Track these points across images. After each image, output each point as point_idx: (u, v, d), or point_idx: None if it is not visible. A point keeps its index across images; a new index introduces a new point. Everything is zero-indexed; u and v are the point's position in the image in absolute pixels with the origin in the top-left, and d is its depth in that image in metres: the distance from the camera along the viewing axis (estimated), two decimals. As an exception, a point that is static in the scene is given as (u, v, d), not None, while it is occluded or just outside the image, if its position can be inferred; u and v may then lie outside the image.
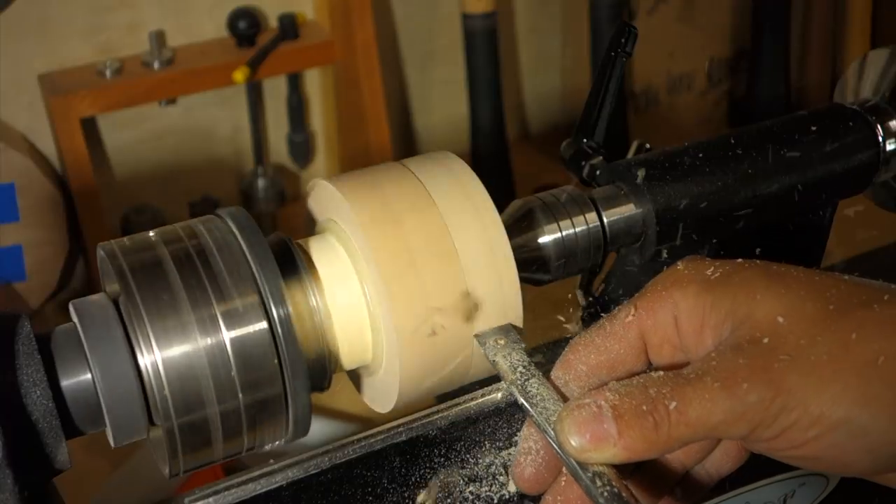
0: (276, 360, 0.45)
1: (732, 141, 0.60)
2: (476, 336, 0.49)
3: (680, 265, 0.47)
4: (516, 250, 0.50)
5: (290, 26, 1.73)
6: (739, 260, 0.46)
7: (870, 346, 0.40)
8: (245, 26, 1.71)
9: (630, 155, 0.62)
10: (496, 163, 1.87)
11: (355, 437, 0.51)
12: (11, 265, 1.58)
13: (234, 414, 0.45)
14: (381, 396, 0.52)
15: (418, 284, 0.48)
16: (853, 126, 0.62)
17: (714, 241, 0.60)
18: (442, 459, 0.53)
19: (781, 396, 0.40)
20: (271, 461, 0.51)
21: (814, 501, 0.66)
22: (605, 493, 0.40)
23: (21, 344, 0.43)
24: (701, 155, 0.59)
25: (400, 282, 0.47)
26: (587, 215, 0.56)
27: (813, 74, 2.17)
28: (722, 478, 0.50)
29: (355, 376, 0.54)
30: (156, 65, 1.66)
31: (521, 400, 0.46)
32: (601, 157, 0.60)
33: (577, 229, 0.56)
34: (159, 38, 1.68)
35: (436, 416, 0.52)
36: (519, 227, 0.55)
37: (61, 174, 1.66)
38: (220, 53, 1.71)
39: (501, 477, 0.54)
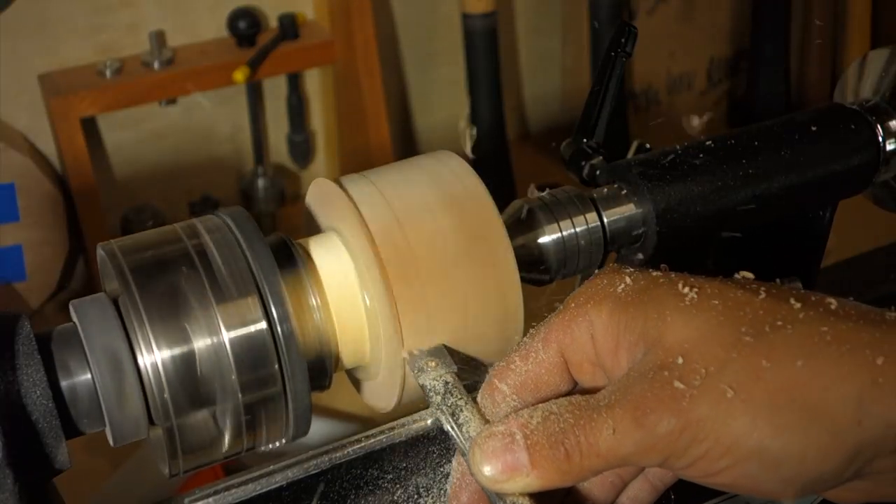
0: (275, 361, 0.45)
1: (732, 141, 0.60)
2: (406, 357, 0.48)
3: (596, 279, 0.45)
4: (516, 250, 0.50)
5: (290, 26, 1.73)
6: (655, 273, 0.44)
7: (780, 374, 0.39)
8: (245, 26, 1.71)
9: (630, 155, 0.62)
10: (496, 163, 1.87)
11: (355, 437, 0.51)
12: (11, 265, 1.58)
13: (234, 414, 0.45)
14: (381, 395, 0.52)
15: (418, 284, 0.48)
16: (853, 126, 0.62)
17: (714, 241, 0.60)
18: (442, 461, 0.53)
19: (691, 428, 0.39)
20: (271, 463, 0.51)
21: (814, 501, 0.66)
22: None
23: (21, 344, 0.43)
24: (701, 155, 0.59)
25: (400, 281, 0.47)
26: (587, 215, 0.56)
27: (813, 74, 2.17)
28: (668, 487, 0.49)
29: (355, 376, 0.54)
30: (156, 65, 1.65)
31: (447, 427, 0.45)
32: (601, 157, 0.60)
33: (577, 229, 0.56)
34: (159, 38, 1.68)
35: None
36: (519, 227, 0.55)
37: (61, 174, 1.66)
38: (220, 53, 1.71)
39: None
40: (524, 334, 0.51)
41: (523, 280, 0.51)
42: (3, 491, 0.42)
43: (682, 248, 0.58)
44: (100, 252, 0.47)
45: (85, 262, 1.70)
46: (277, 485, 0.49)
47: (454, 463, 0.48)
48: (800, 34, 2.16)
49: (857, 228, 1.02)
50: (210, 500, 0.48)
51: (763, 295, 0.42)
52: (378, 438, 0.51)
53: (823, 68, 2.16)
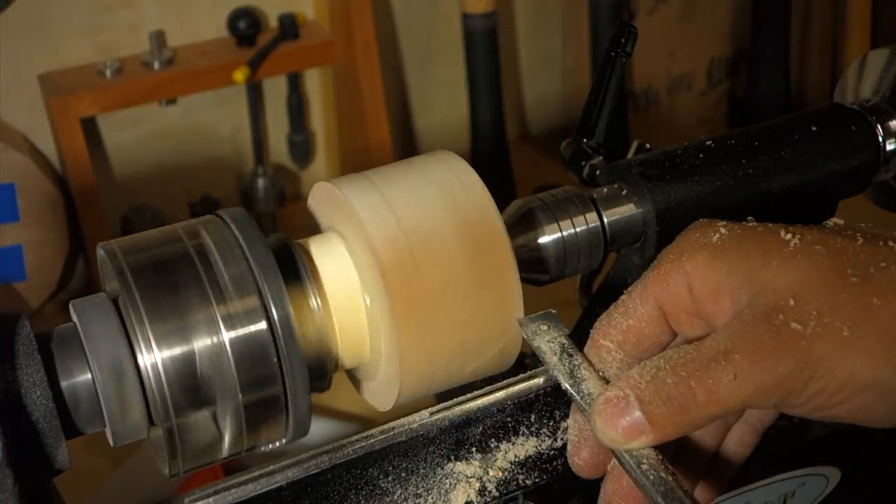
0: (275, 361, 0.45)
1: (732, 141, 0.60)
2: (518, 320, 0.50)
3: (688, 233, 0.47)
4: (516, 250, 0.50)
5: (290, 26, 1.72)
6: (751, 224, 0.46)
7: (891, 311, 0.41)
8: (245, 26, 1.71)
9: (630, 155, 0.62)
10: (496, 163, 1.87)
11: (355, 437, 0.51)
12: (11, 265, 1.58)
13: (234, 414, 0.45)
14: (381, 395, 0.52)
15: (419, 284, 0.48)
16: (853, 126, 0.62)
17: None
18: (444, 460, 0.53)
19: (810, 366, 0.41)
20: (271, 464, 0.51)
21: (814, 501, 0.66)
22: (652, 477, 0.42)
23: (21, 344, 0.43)
24: (701, 155, 0.59)
25: (400, 281, 0.47)
26: (587, 215, 0.56)
27: (813, 74, 2.17)
28: (767, 427, 0.51)
29: (355, 375, 0.54)
30: (156, 65, 1.65)
31: (565, 385, 0.47)
32: (601, 157, 0.60)
33: (577, 229, 0.56)
34: (159, 38, 1.68)
35: (438, 416, 0.52)
36: (519, 227, 0.55)
37: (61, 174, 1.66)
38: (220, 53, 1.71)
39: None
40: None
41: (523, 280, 0.51)
42: (3, 491, 0.42)
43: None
44: (100, 252, 0.47)
45: (85, 262, 1.70)
46: (277, 485, 0.49)
47: (570, 420, 0.50)
48: (800, 34, 2.16)
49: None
50: (210, 500, 0.48)
51: (861, 240, 0.44)
52: (378, 438, 0.51)
53: (823, 68, 2.16)
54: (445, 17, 1.92)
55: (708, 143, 0.60)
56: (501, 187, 1.83)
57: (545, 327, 0.50)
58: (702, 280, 0.45)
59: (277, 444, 0.48)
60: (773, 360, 0.41)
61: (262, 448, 0.48)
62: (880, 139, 0.63)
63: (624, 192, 0.58)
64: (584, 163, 0.61)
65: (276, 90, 1.83)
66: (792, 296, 0.42)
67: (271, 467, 0.50)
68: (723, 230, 0.46)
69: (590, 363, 0.48)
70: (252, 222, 0.47)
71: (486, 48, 1.82)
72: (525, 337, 0.50)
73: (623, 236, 0.57)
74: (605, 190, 0.58)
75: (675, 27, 2.07)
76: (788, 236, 0.44)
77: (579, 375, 0.47)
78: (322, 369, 0.49)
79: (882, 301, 0.41)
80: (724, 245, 0.45)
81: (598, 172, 0.60)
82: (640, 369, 0.43)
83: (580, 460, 0.49)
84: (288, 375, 0.45)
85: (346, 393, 0.55)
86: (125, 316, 0.44)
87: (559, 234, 0.55)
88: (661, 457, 0.43)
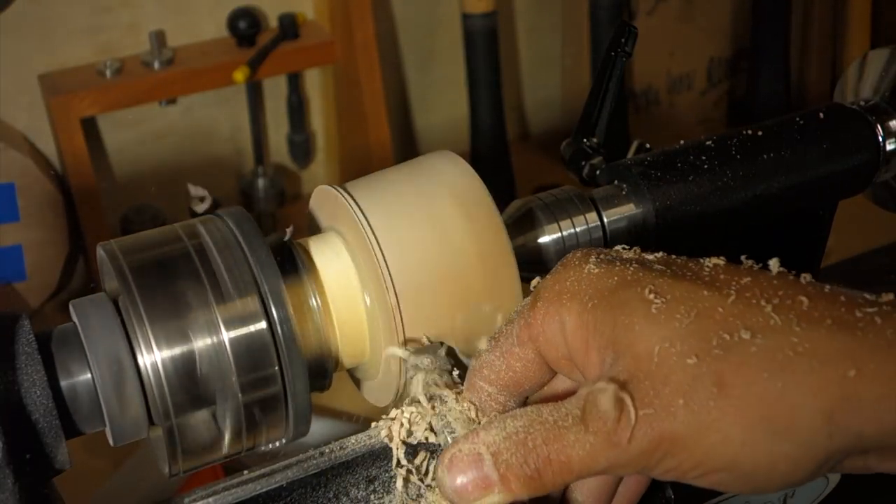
0: (275, 361, 0.45)
1: (732, 141, 0.60)
2: (399, 355, 0.48)
3: (563, 272, 0.44)
4: (516, 250, 0.50)
5: (290, 26, 1.73)
6: (621, 268, 0.43)
7: (750, 391, 0.38)
8: (245, 26, 1.71)
9: (630, 155, 0.62)
10: (496, 163, 1.87)
11: (355, 438, 0.51)
12: (11, 265, 1.58)
13: (234, 414, 0.45)
14: (379, 391, 0.52)
15: (419, 283, 0.48)
16: (853, 126, 0.62)
17: (714, 240, 0.60)
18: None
19: (664, 445, 0.39)
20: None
21: (814, 501, 0.66)
22: None
23: (21, 344, 0.43)
24: (701, 155, 0.59)
25: (400, 281, 0.47)
26: (587, 215, 0.56)
27: (813, 74, 2.17)
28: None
29: (355, 374, 0.54)
30: (156, 65, 1.65)
31: (434, 429, 0.46)
32: (601, 157, 0.60)
33: (577, 229, 0.56)
34: (159, 38, 1.68)
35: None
36: (519, 227, 0.55)
37: (61, 174, 1.66)
38: (220, 53, 1.71)
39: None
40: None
41: (523, 279, 0.51)
42: (3, 491, 0.42)
43: (683, 248, 0.58)
44: (100, 252, 0.47)
45: (85, 262, 1.70)
46: (277, 485, 0.49)
47: None
48: (800, 34, 2.16)
49: (857, 228, 1.02)
50: (210, 500, 0.48)
51: (733, 296, 0.41)
52: (378, 438, 0.51)
53: (823, 68, 2.17)
54: (445, 17, 1.92)
55: (708, 143, 0.60)
56: (501, 187, 1.83)
57: (427, 361, 0.48)
58: (573, 333, 0.42)
59: (277, 444, 0.48)
60: (625, 436, 0.39)
61: (263, 448, 0.48)
62: (880, 139, 0.63)
63: (624, 192, 0.58)
64: (584, 163, 0.61)
65: (276, 90, 1.83)
66: (651, 365, 0.39)
67: (271, 467, 0.50)
68: (594, 276, 0.43)
69: (465, 408, 0.46)
70: (252, 222, 0.47)
71: (486, 48, 1.82)
72: (405, 374, 0.48)
73: (623, 236, 0.57)
74: (605, 190, 0.58)
75: (675, 27, 2.07)
76: (651, 296, 0.41)
77: (447, 419, 0.46)
78: (322, 369, 0.49)
79: (740, 379, 0.38)
80: (593, 298, 0.42)
81: (598, 172, 0.60)
82: (497, 424, 0.41)
83: None
84: (288, 375, 0.45)
85: (346, 393, 0.55)
86: (125, 316, 0.44)
87: (559, 234, 0.55)
88: None
